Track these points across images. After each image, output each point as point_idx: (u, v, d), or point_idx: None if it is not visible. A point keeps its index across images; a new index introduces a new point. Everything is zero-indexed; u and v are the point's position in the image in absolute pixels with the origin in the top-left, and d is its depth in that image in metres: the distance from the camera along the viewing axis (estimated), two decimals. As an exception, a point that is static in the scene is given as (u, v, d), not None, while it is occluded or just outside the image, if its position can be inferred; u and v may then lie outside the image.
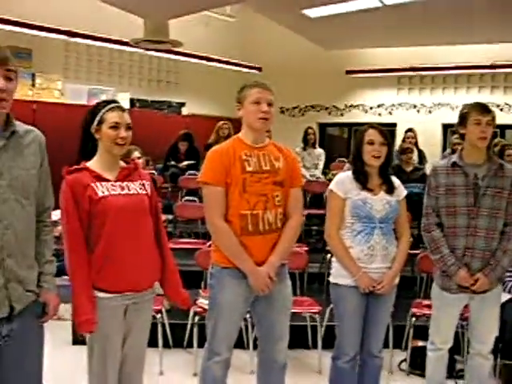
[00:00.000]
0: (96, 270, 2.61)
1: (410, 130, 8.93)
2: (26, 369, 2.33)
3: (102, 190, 2.61)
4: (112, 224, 2.60)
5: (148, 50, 9.91)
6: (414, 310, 4.46)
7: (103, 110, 2.67)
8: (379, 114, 12.20)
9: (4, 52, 2.16)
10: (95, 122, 2.67)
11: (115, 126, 2.64)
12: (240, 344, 4.05)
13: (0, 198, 2.17)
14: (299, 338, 4.77)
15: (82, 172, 2.64)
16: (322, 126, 12.97)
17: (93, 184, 2.60)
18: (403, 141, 8.63)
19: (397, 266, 3.31)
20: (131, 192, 2.70)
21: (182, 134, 8.80)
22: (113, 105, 2.70)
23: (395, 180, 3.40)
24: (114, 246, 2.61)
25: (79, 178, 2.60)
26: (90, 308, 2.56)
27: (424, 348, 3.62)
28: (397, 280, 3.36)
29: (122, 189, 2.68)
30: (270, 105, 3.00)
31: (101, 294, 2.62)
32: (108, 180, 2.66)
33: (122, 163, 2.79)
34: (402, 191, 3.40)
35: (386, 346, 3.65)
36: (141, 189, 2.75)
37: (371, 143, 3.27)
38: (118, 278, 2.63)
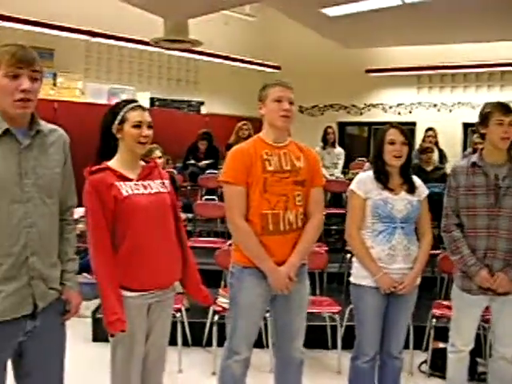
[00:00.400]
0: (122, 268, 2.61)
1: (430, 129, 8.86)
2: (48, 365, 2.36)
3: (125, 189, 2.62)
4: (137, 223, 2.61)
5: (168, 49, 9.95)
6: (434, 310, 4.41)
7: (125, 110, 2.68)
8: (399, 113, 12.16)
9: (31, 53, 2.19)
10: (117, 122, 2.68)
11: (138, 125, 2.65)
12: (259, 343, 4.05)
13: (24, 197, 2.19)
14: (318, 338, 4.76)
15: (105, 172, 2.65)
16: (342, 125, 12.94)
17: (117, 183, 2.62)
18: (423, 140, 8.57)
19: (418, 266, 3.28)
20: (153, 191, 2.71)
21: (202, 133, 8.82)
22: (134, 104, 2.72)
23: (416, 180, 3.38)
24: (139, 245, 2.62)
25: (103, 178, 2.62)
26: (119, 307, 2.56)
27: (445, 350, 3.58)
28: (418, 280, 3.34)
29: (145, 188, 2.69)
30: (291, 103, 3.01)
31: (126, 293, 2.63)
32: (130, 179, 2.67)
33: (142, 162, 2.80)
34: (423, 191, 3.38)
35: (406, 346, 3.62)
36: (162, 187, 2.77)
37: (392, 143, 3.26)
38: (143, 277, 2.65)
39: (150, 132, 2.69)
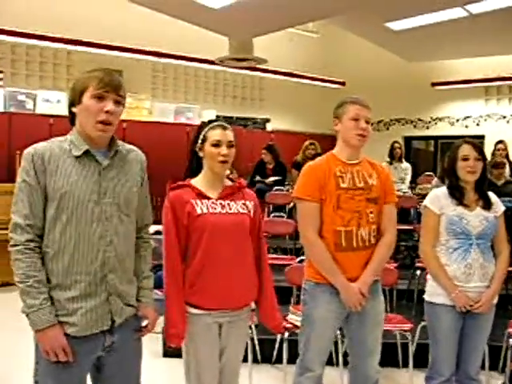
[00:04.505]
0: (189, 285, 2.65)
1: (500, 141, 8.64)
2: (125, 379, 2.41)
3: (201, 207, 2.66)
4: (208, 241, 2.63)
5: (233, 67, 10.08)
6: (511, 330, 4.24)
7: (206, 129, 2.73)
8: (466, 126, 11.91)
9: (117, 79, 2.29)
10: (199, 141, 2.74)
11: (217, 144, 2.69)
12: (329, 360, 4.01)
13: (103, 216, 2.26)
14: (389, 356, 4.67)
15: (185, 188, 2.70)
16: (408, 140, 12.77)
17: (193, 201, 2.66)
18: (493, 153, 8.36)
19: (496, 284, 3.20)
20: (231, 211, 2.72)
21: (265, 146, 8.86)
22: (215, 123, 2.76)
23: (492, 196, 3.31)
24: (208, 264, 2.64)
25: (180, 195, 2.67)
26: (180, 322, 2.61)
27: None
28: (495, 299, 3.25)
29: (223, 207, 2.71)
30: (367, 122, 3.02)
31: (193, 310, 2.66)
32: (209, 198, 2.71)
33: (228, 182, 2.83)
34: (499, 207, 3.30)
35: (481, 367, 3.51)
36: (242, 208, 2.76)
37: (466, 159, 3.20)
38: (209, 296, 2.65)
39: (229, 151, 2.71)
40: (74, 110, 2.30)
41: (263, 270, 2.86)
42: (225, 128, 2.75)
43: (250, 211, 2.79)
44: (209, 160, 2.72)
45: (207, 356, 2.70)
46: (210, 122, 2.80)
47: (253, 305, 2.95)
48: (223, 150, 2.69)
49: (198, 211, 2.65)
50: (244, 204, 2.79)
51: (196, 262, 2.65)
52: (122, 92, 2.28)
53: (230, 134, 2.74)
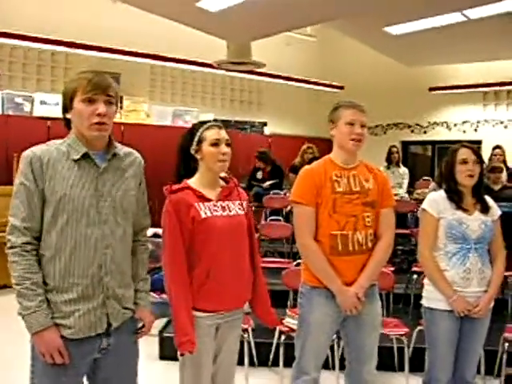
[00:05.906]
0: (196, 289, 2.63)
1: (497, 146, 8.63)
2: (121, 381, 2.41)
3: (204, 210, 2.63)
4: (214, 245, 2.62)
5: (231, 71, 10.09)
6: (507, 334, 4.24)
7: (201, 130, 2.71)
8: (464, 131, 11.95)
9: (106, 79, 2.27)
10: (195, 142, 2.71)
11: (216, 143, 2.67)
12: (325, 364, 4.01)
13: (101, 219, 2.26)
14: (385, 360, 4.67)
15: (186, 191, 2.67)
16: (405, 144, 12.79)
17: (196, 204, 2.63)
18: (490, 159, 8.37)
19: (493, 288, 3.20)
20: (232, 213, 2.71)
21: (257, 153, 8.87)
22: (210, 123, 2.75)
23: (489, 200, 3.31)
24: (214, 267, 2.62)
25: (183, 198, 2.63)
26: (190, 329, 2.57)
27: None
28: (491, 304, 3.25)
29: (224, 209, 2.70)
30: (363, 126, 3.01)
31: (195, 313, 2.64)
32: (210, 200, 2.69)
33: (222, 182, 2.82)
34: (496, 211, 3.30)
35: (477, 371, 3.50)
36: (240, 209, 2.77)
37: (465, 162, 3.21)
38: (216, 298, 2.65)
39: (228, 150, 2.71)
40: (67, 116, 2.29)
41: (256, 268, 2.87)
42: (220, 127, 2.75)
43: (245, 210, 2.80)
44: (208, 160, 2.69)
45: (206, 358, 2.70)
46: (203, 123, 2.78)
47: (246, 307, 2.95)
48: (223, 148, 2.68)
49: (203, 215, 2.63)
50: (240, 204, 2.79)
51: (202, 265, 2.63)
52: (111, 92, 2.26)
53: (225, 133, 2.74)
